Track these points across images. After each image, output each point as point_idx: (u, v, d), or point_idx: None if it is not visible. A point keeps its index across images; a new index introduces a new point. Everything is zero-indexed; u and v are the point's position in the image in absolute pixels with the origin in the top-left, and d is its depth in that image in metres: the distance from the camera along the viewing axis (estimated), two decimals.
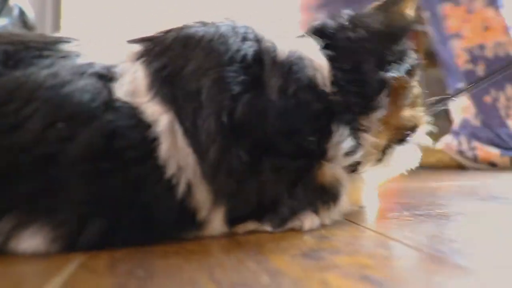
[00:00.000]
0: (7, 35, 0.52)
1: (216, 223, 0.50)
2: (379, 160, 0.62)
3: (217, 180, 0.48)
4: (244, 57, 0.50)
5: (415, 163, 0.68)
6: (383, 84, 0.57)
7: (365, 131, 0.56)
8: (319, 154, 0.52)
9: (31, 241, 0.44)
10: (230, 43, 0.51)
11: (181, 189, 0.46)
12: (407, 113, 0.62)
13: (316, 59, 0.54)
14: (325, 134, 0.52)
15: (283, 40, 0.54)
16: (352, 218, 0.60)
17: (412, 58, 0.63)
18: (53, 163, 0.44)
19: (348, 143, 0.54)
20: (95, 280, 0.37)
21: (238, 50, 0.50)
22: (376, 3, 0.62)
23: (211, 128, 0.47)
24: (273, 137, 0.50)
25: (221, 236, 0.51)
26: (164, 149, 0.46)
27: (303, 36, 0.58)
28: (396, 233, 0.52)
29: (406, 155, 0.65)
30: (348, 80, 0.55)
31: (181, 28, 0.55)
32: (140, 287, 0.35)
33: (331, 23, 0.60)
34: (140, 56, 0.50)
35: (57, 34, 0.54)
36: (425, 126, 0.67)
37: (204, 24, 0.54)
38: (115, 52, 0.51)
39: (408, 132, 0.63)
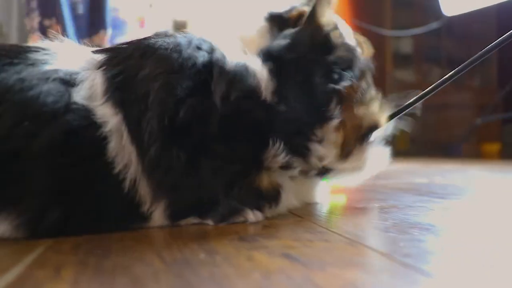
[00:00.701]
0: None
1: (158, 216, 0.56)
2: (343, 161, 0.66)
3: (156, 176, 0.55)
4: (194, 64, 0.57)
5: (384, 164, 0.74)
6: (332, 94, 0.63)
7: (318, 142, 0.62)
8: (255, 162, 0.59)
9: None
10: (183, 51, 0.58)
11: (127, 183, 0.53)
12: (361, 112, 0.67)
13: (260, 71, 0.60)
14: (262, 145, 0.59)
15: (234, 53, 0.61)
16: (300, 211, 0.68)
17: (361, 61, 0.69)
18: (19, 156, 0.51)
19: (284, 157, 0.59)
20: (60, 258, 0.44)
21: (188, 58, 0.57)
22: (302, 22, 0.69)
23: (154, 129, 0.54)
24: (212, 140, 0.57)
25: (174, 226, 0.58)
26: (111, 147, 0.53)
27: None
28: (328, 223, 0.61)
29: (374, 157, 0.70)
30: (294, 92, 0.61)
31: (143, 39, 0.62)
32: (97, 262, 0.42)
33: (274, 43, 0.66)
34: (101, 65, 0.57)
35: (29, 44, 0.61)
36: (385, 123, 0.71)
37: (166, 35, 0.61)
38: (79, 60, 0.58)
39: (368, 131, 0.68)
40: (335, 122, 0.63)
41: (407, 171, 1.55)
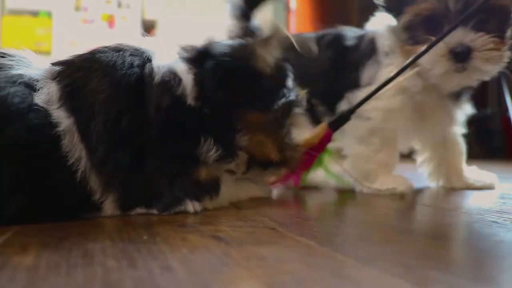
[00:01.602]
0: None
1: (108, 206, 0.67)
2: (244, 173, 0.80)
3: (105, 173, 0.66)
4: (128, 81, 0.68)
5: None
6: (238, 115, 0.75)
7: (239, 147, 0.75)
8: (192, 158, 0.70)
9: None
10: (119, 70, 0.69)
11: (79, 174, 0.64)
12: (265, 143, 0.78)
13: (185, 78, 0.71)
14: (195, 143, 0.70)
15: (163, 63, 0.71)
16: (242, 204, 0.79)
17: (284, 98, 0.79)
18: None
19: (215, 151, 0.71)
20: (26, 239, 0.53)
21: (124, 75, 0.68)
22: (258, 39, 0.80)
23: (100, 132, 0.65)
24: (153, 143, 0.68)
25: (124, 215, 0.68)
26: (65, 143, 0.63)
27: (180, 58, 0.74)
28: (263, 213, 0.72)
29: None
30: (216, 98, 0.72)
31: (92, 53, 0.72)
32: (58, 242, 0.52)
33: (205, 49, 0.76)
34: (56, 76, 0.68)
35: None
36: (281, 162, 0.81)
37: (108, 51, 0.71)
38: (40, 69, 0.68)
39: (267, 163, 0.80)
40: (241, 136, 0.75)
41: None
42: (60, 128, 0.64)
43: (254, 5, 0.93)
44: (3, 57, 0.67)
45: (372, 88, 0.93)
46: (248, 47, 0.77)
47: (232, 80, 0.75)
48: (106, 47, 0.72)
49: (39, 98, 0.64)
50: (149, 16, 3.49)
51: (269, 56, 0.77)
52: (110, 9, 3.50)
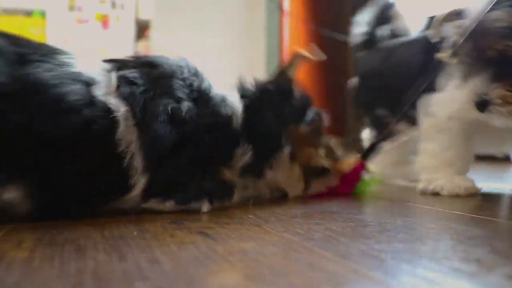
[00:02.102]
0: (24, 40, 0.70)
1: (136, 191, 0.70)
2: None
3: (149, 155, 0.69)
4: (191, 84, 0.77)
5: None
6: (282, 132, 0.85)
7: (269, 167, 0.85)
8: (226, 158, 0.79)
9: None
10: (182, 75, 0.77)
11: (127, 159, 0.68)
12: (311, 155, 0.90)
13: (235, 104, 0.81)
14: (234, 143, 0.79)
15: (217, 87, 0.80)
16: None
17: (313, 113, 0.90)
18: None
19: (244, 161, 0.80)
20: (21, 236, 0.56)
21: (187, 79, 0.77)
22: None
23: (157, 112, 0.71)
24: (193, 136, 0.74)
25: (120, 213, 0.71)
26: (120, 130, 0.67)
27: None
28: (250, 211, 0.75)
29: None
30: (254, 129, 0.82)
31: (145, 57, 0.83)
32: (51, 238, 0.55)
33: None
34: (112, 69, 0.72)
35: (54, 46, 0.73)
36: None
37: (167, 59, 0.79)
38: (95, 66, 0.72)
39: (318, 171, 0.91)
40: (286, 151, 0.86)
41: None
42: (118, 114, 0.68)
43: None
44: (61, 54, 0.70)
45: None
46: (280, 71, 0.91)
47: (274, 101, 0.86)
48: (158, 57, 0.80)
49: (98, 92, 0.68)
50: (143, 16, 3.51)
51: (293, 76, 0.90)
52: (104, 9, 3.52)
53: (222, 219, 0.68)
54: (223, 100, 0.79)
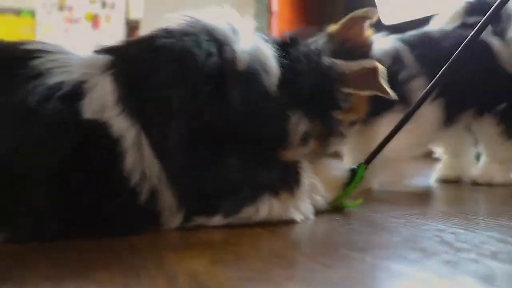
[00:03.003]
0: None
1: (176, 222, 0.58)
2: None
3: (183, 185, 0.56)
4: (209, 72, 0.57)
5: None
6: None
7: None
8: (280, 138, 0.62)
9: None
10: (197, 59, 0.57)
11: (143, 196, 0.54)
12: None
13: (272, 66, 0.62)
14: (285, 119, 0.62)
15: (245, 45, 0.61)
16: None
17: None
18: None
19: (303, 126, 0.63)
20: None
21: (203, 66, 0.57)
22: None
23: (179, 138, 0.55)
24: (234, 140, 0.59)
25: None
26: (128, 161, 0.53)
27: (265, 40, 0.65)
28: None
29: None
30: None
31: (149, 39, 0.61)
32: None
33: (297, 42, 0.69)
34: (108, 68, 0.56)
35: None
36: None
37: (169, 34, 0.60)
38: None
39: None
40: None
41: None
42: (124, 143, 0.53)
43: None
44: (39, 58, 0.55)
45: None
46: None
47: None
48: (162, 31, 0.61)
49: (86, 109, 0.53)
50: (133, 16, 3.56)
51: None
52: (94, 8, 3.57)
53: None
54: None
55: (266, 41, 0.64)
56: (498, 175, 1.14)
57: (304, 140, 0.64)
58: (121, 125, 0.53)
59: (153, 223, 0.57)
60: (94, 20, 3.57)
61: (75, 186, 0.52)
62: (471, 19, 1.18)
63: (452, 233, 0.60)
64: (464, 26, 1.16)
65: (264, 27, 2.93)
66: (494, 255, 0.49)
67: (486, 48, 1.12)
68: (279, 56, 0.63)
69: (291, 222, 0.64)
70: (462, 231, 0.62)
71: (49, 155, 0.51)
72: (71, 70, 0.54)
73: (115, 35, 3.53)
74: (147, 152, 0.54)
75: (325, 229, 0.64)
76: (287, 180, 0.63)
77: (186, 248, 0.52)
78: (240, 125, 0.59)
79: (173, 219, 0.58)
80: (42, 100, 0.51)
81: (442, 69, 0.79)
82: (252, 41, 0.63)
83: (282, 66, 0.63)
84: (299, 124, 0.63)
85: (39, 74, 0.53)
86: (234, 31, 0.62)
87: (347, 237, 0.58)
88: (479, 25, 0.77)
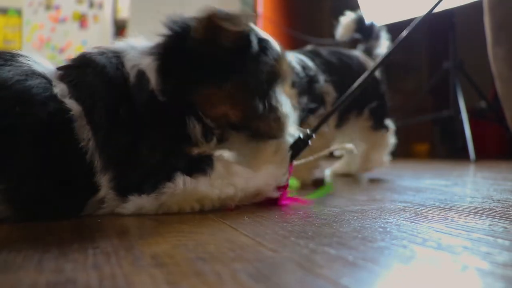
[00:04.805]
0: None
1: (104, 186, 0.76)
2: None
3: (105, 151, 0.76)
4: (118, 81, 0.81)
5: None
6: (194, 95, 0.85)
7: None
8: (183, 138, 0.82)
9: None
10: (110, 72, 0.81)
11: (88, 154, 0.75)
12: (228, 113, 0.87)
13: (150, 75, 0.82)
14: (182, 124, 0.82)
15: (133, 62, 0.83)
16: None
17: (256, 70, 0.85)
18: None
19: (199, 130, 0.83)
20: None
21: (115, 77, 0.81)
22: None
23: (102, 117, 0.77)
24: (147, 127, 0.80)
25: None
26: (77, 126, 0.75)
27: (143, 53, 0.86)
28: None
29: None
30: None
31: (83, 56, 0.85)
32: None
33: None
34: (62, 77, 0.80)
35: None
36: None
37: (100, 53, 0.84)
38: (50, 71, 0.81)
39: None
40: None
41: None
42: (72, 113, 0.75)
43: None
44: (18, 56, 0.79)
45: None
46: (203, 19, 0.83)
47: (182, 62, 0.84)
48: (95, 51, 0.85)
49: (56, 91, 0.76)
50: (121, 16, 3.63)
51: (233, 28, 0.82)
52: (82, 8, 3.64)
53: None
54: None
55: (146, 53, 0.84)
56: None
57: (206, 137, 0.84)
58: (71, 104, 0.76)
59: (92, 188, 0.76)
60: (82, 20, 3.65)
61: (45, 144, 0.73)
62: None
63: (397, 225, 0.69)
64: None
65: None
66: (423, 242, 0.58)
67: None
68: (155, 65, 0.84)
69: (253, 216, 0.73)
70: (408, 223, 0.70)
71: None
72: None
73: (103, 35, 3.60)
74: (84, 121, 0.76)
75: (281, 222, 0.72)
76: (199, 166, 0.81)
77: (154, 235, 0.61)
78: (147, 121, 0.81)
79: (102, 185, 0.76)
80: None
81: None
82: (136, 57, 0.84)
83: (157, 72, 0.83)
84: (195, 127, 0.82)
85: None
86: (126, 52, 0.84)
87: (301, 228, 0.67)
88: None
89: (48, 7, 3.56)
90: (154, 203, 0.77)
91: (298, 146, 0.95)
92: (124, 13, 3.58)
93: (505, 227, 0.66)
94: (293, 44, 2.30)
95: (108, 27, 3.62)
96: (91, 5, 3.62)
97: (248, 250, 0.54)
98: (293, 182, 1.04)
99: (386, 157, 1.61)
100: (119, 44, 0.87)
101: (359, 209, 0.85)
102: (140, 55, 0.84)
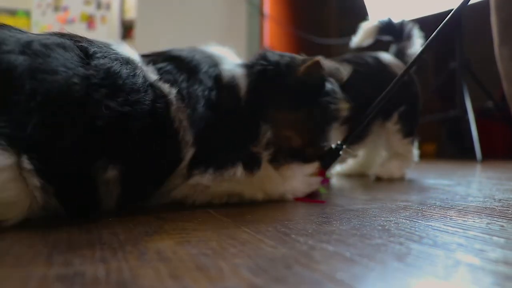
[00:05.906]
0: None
1: (185, 161, 0.87)
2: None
3: (196, 128, 0.87)
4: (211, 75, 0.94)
5: None
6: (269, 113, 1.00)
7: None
8: (254, 137, 0.95)
9: None
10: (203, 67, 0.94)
11: (181, 133, 0.85)
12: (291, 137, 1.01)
13: (241, 83, 0.96)
14: (257, 125, 0.96)
15: (228, 67, 0.97)
16: None
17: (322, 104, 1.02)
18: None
19: (265, 140, 0.96)
20: None
21: (207, 71, 0.94)
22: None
23: (199, 96, 0.89)
24: (227, 117, 0.93)
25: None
26: (173, 108, 0.84)
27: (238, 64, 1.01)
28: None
29: None
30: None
31: (170, 51, 0.96)
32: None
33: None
34: (149, 61, 0.90)
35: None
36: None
37: (191, 51, 0.97)
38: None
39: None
40: None
41: None
42: (169, 97, 0.84)
43: None
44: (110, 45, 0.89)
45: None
46: (292, 59, 1.02)
47: (266, 83, 0.98)
48: (186, 49, 0.98)
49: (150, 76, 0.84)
50: (129, 17, 3.67)
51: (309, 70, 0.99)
52: (89, 9, 3.68)
53: (180, 206, 0.85)
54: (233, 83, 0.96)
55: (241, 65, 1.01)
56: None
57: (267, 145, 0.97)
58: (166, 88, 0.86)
59: (178, 161, 0.86)
60: (90, 21, 3.69)
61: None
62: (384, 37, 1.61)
63: (396, 223, 0.71)
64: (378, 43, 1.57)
65: (256, 30, 3.03)
66: (420, 240, 0.60)
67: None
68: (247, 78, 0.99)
69: (256, 215, 0.75)
70: (407, 221, 0.72)
71: None
72: None
73: (110, 36, 3.64)
74: (180, 103, 0.87)
75: (283, 220, 0.74)
76: (252, 163, 0.93)
77: (159, 232, 0.63)
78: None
79: (184, 160, 0.87)
80: None
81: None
82: (231, 64, 1.00)
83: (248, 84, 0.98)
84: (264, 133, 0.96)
85: None
86: (222, 57, 1.01)
87: (302, 226, 0.69)
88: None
89: (56, 8, 3.61)
90: (212, 182, 0.88)
91: (331, 157, 1.08)
92: (131, 13, 3.62)
93: (502, 226, 0.68)
94: (299, 44, 2.32)
95: (115, 28, 3.66)
96: (99, 6, 3.66)
97: (249, 246, 0.56)
98: (323, 190, 1.11)
99: (406, 170, 1.52)
100: (211, 48, 1.02)
101: (361, 207, 0.87)
102: (235, 65, 0.99)
